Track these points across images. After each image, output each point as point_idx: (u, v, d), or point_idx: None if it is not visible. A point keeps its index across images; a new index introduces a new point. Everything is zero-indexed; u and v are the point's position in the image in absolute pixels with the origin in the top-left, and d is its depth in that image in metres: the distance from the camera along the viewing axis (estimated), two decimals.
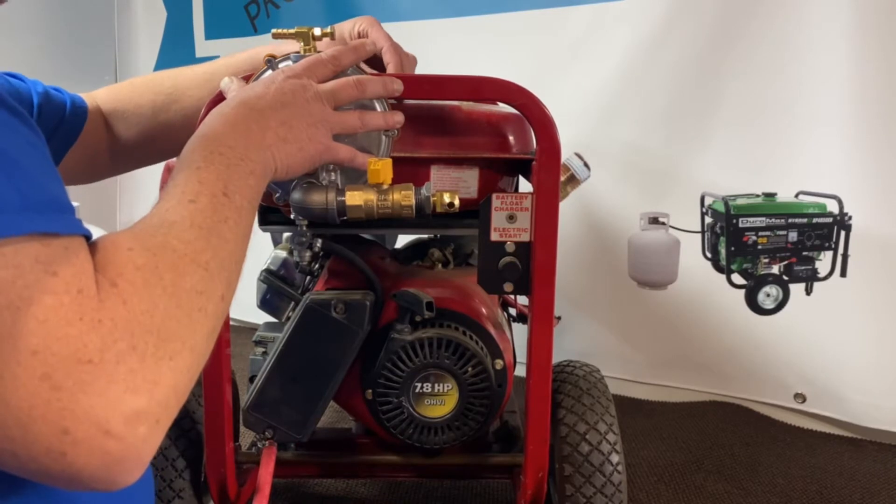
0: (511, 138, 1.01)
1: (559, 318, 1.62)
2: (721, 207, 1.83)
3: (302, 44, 0.85)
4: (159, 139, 0.97)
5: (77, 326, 0.40)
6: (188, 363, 0.45)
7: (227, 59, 1.00)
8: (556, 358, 1.03)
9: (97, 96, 0.98)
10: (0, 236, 0.39)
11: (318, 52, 0.82)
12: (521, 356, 1.04)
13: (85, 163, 0.95)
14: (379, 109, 0.81)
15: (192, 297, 0.47)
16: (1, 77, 0.84)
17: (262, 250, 1.30)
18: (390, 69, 0.94)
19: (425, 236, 1.34)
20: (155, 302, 0.44)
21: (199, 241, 0.50)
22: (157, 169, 1.03)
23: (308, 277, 1.23)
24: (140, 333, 0.42)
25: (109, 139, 0.97)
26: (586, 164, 1.35)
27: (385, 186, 0.81)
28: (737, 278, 1.85)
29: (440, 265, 1.22)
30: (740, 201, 1.81)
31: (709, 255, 1.88)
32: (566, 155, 1.27)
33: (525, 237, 0.95)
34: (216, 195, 0.54)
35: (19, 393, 0.38)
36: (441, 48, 2.08)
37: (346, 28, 0.97)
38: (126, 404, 0.40)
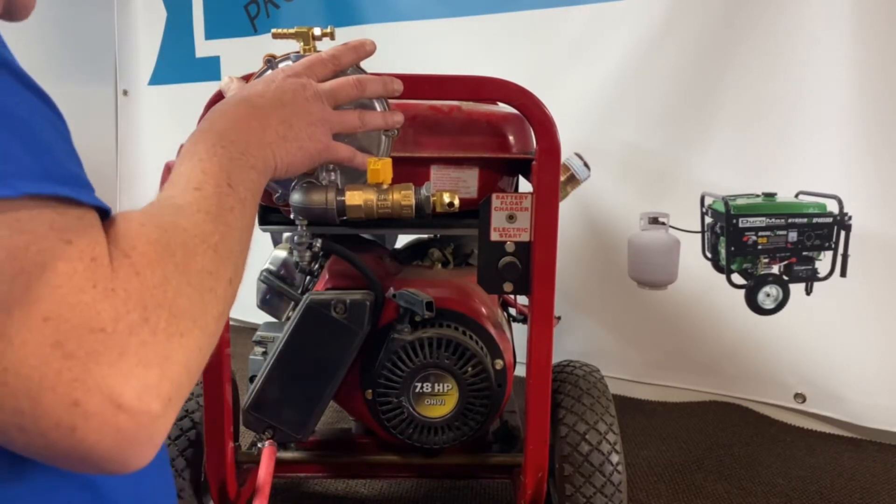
0: (511, 138, 1.01)
1: (559, 318, 1.62)
2: (721, 207, 1.83)
3: (302, 43, 0.85)
4: None
5: (90, 294, 0.39)
6: (199, 342, 0.44)
7: None
8: (556, 358, 1.03)
9: None
10: (16, 195, 0.38)
11: (318, 51, 0.82)
12: (521, 356, 1.04)
13: None
14: (379, 109, 0.81)
15: (202, 277, 0.46)
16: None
17: (263, 250, 1.30)
18: None
19: (425, 236, 1.34)
20: (167, 277, 0.43)
21: (208, 224, 0.49)
22: (158, 168, 1.03)
23: (308, 277, 1.23)
24: (152, 307, 0.41)
25: None
26: (586, 164, 1.35)
27: (385, 186, 0.81)
28: (737, 278, 1.85)
29: (440, 265, 1.22)
30: (740, 201, 1.81)
31: (709, 255, 1.88)
32: (566, 155, 1.27)
33: (525, 237, 0.95)
34: (220, 185, 0.54)
35: (30, 361, 0.37)
36: (441, 48, 2.08)
37: None
38: (138, 378, 0.39)
